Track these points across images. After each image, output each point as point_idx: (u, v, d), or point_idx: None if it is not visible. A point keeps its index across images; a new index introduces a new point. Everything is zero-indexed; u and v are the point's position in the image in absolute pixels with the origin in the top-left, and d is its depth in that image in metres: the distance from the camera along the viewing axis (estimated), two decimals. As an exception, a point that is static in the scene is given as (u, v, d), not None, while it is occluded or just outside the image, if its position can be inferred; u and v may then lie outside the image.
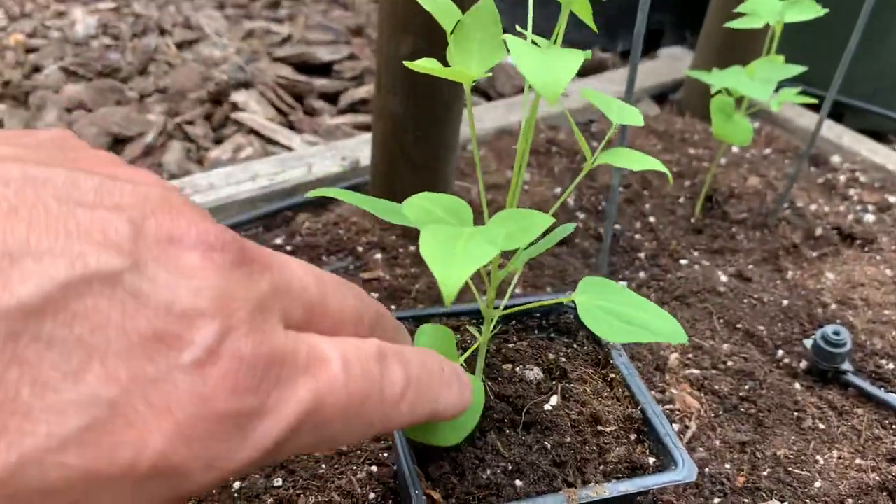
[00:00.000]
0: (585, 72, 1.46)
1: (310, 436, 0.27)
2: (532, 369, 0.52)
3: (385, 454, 0.62)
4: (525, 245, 0.38)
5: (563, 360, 0.54)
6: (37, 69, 1.37)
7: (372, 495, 0.59)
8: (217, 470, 0.24)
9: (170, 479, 0.23)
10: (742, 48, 1.12)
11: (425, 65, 0.36)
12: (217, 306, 0.24)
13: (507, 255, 0.48)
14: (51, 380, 0.20)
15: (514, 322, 0.58)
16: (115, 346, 0.21)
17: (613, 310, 0.43)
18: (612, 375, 0.53)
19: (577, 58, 0.34)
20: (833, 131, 1.22)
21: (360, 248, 0.90)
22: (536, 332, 0.58)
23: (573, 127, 0.43)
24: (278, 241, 0.90)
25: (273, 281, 0.27)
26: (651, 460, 0.48)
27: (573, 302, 0.43)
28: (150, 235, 0.24)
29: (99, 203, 0.23)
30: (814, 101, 0.89)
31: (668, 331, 0.42)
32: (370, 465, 0.62)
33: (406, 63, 0.37)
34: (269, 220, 0.95)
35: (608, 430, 0.49)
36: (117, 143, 1.17)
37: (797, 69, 0.84)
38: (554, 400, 0.50)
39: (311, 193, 0.42)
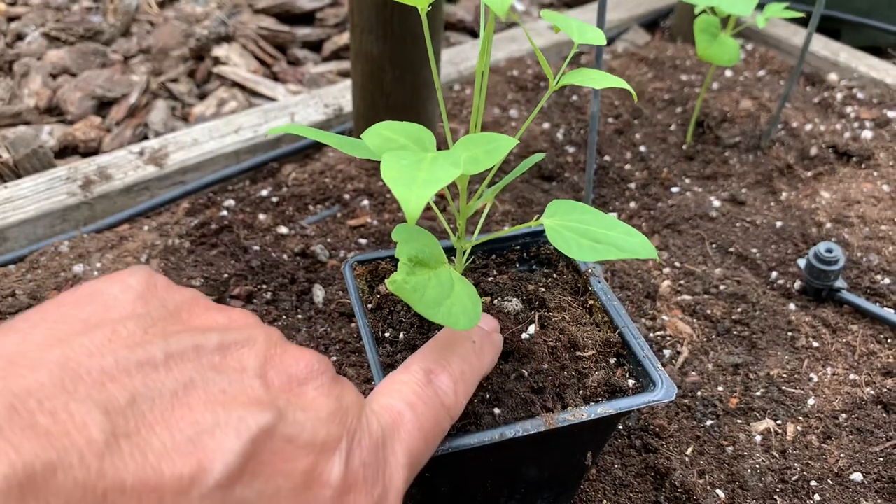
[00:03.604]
0: (572, 3, 1.42)
1: (412, 477, 0.33)
2: (510, 301, 0.52)
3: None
4: (493, 167, 0.37)
5: (543, 290, 0.53)
6: (20, 37, 1.36)
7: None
8: None
9: None
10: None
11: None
12: (341, 428, 0.29)
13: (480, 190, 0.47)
14: None
15: (493, 256, 0.57)
16: (284, 489, 0.27)
17: (582, 230, 0.42)
18: (592, 302, 0.53)
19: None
20: (829, 48, 1.19)
21: (346, 196, 0.89)
22: (517, 265, 0.57)
23: (536, 51, 0.42)
24: (265, 192, 0.89)
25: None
26: (631, 382, 0.48)
27: (542, 226, 0.43)
28: (276, 383, 0.29)
29: (226, 364, 0.28)
30: (800, 15, 0.86)
31: (637, 247, 0.41)
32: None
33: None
34: (255, 172, 0.94)
35: (587, 355, 0.49)
36: (103, 106, 1.16)
37: (781, -18, 0.81)
38: (531, 329, 0.49)
39: (272, 130, 0.41)
